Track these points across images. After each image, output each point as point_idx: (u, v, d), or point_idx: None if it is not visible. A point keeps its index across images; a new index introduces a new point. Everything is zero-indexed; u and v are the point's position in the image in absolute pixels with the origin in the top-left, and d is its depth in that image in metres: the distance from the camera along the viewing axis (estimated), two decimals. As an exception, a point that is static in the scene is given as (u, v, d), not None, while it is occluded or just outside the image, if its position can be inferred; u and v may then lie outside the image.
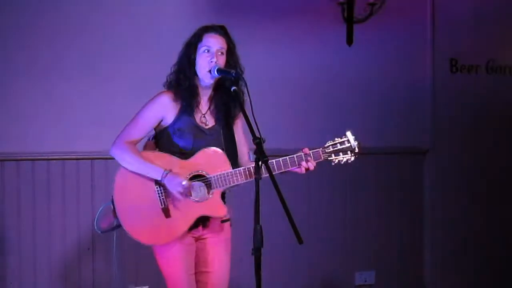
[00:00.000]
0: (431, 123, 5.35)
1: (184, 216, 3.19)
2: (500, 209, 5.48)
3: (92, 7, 4.56)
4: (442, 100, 5.35)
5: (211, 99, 3.32)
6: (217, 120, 3.30)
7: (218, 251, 3.33)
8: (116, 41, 4.58)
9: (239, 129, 3.37)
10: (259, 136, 2.95)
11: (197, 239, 3.30)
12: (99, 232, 3.28)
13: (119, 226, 3.22)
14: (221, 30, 3.29)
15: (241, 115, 3.23)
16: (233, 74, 3.14)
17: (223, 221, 3.32)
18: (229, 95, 3.20)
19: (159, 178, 3.14)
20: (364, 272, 5.23)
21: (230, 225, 3.38)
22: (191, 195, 3.15)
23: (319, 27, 5.03)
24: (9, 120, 4.42)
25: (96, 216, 3.31)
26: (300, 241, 2.77)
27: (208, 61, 3.21)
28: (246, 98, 3.15)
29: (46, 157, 4.47)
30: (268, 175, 2.89)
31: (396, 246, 5.29)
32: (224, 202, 3.29)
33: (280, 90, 4.93)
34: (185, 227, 3.20)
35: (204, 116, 3.29)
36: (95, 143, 4.52)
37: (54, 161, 4.49)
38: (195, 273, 3.31)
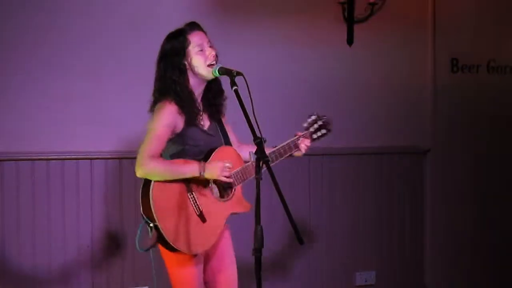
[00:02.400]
0: (432, 123, 5.35)
1: (217, 217, 3.22)
2: (501, 209, 5.47)
3: (92, 6, 4.55)
4: (443, 100, 5.35)
5: (202, 99, 3.33)
6: (210, 118, 3.33)
7: (227, 247, 3.38)
8: (116, 41, 4.58)
9: (226, 121, 3.42)
10: (259, 136, 2.95)
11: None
12: (143, 251, 3.21)
13: (158, 242, 3.16)
14: (198, 26, 3.30)
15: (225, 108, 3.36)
16: (235, 74, 3.14)
17: None
18: (211, 90, 3.28)
19: (197, 173, 3.12)
20: (364, 273, 5.22)
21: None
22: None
23: (320, 26, 5.02)
24: (8, 120, 4.40)
25: (137, 237, 3.20)
26: (300, 241, 2.77)
27: (207, 56, 3.21)
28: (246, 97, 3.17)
29: (45, 157, 4.46)
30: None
31: (396, 246, 5.29)
32: None
33: (280, 90, 4.92)
34: (220, 227, 3.24)
35: (201, 117, 3.30)
36: (94, 143, 4.53)
37: (54, 161, 4.48)
38: (210, 275, 3.35)
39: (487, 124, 5.44)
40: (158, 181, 3.11)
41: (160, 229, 3.09)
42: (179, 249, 3.12)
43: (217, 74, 3.21)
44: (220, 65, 3.20)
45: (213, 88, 3.32)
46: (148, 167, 3.10)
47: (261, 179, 2.87)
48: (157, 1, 4.70)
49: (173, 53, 3.22)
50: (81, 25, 4.53)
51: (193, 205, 3.17)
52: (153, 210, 3.08)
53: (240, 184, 3.27)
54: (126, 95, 4.52)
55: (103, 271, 4.58)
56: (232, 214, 3.28)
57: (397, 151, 5.27)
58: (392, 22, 5.18)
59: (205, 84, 3.30)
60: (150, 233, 3.12)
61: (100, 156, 4.54)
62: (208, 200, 3.19)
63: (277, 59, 4.91)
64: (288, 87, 4.96)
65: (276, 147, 3.38)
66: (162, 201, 3.11)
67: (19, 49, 4.42)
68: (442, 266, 5.38)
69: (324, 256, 5.09)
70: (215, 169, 3.13)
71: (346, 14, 5.05)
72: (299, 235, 2.77)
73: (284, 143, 3.41)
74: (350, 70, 5.12)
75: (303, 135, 3.47)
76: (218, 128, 3.35)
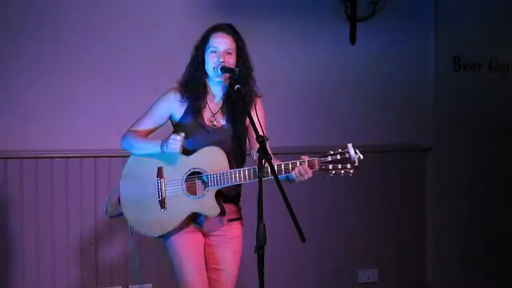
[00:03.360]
0: (434, 121, 5.35)
1: (177, 210, 3.22)
2: (503, 208, 5.47)
3: (96, 6, 4.56)
4: (445, 98, 5.34)
5: (224, 99, 3.32)
6: (226, 120, 3.31)
7: (225, 249, 3.34)
8: (121, 40, 4.59)
9: (254, 116, 3.19)
10: (262, 135, 2.95)
11: (205, 235, 3.32)
12: (107, 217, 3.34)
13: (122, 213, 3.29)
14: (229, 29, 3.29)
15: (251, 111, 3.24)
16: (237, 72, 3.15)
17: (229, 220, 3.32)
18: (240, 96, 3.20)
19: (159, 148, 3.20)
20: (367, 270, 5.23)
21: (242, 224, 3.39)
22: (193, 193, 3.20)
23: (322, 25, 5.03)
24: (12, 118, 4.42)
25: (106, 201, 3.46)
26: (303, 239, 2.78)
27: (215, 61, 3.22)
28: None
29: (49, 155, 4.48)
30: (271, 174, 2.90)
31: (398, 244, 5.29)
32: (238, 202, 3.36)
33: (283, 89, 4.93)
34: (177, 221, 3.23)
35: (214, 116, 3.30)
36: (98, 141, 4.54)
37: (58, 159, 4.50)
38: (207, 269, 3.33)
39: (489, 123, 5.43)
40: (136, 155, 3.28)
41: (120, 195, 3.27)
42: (126, 217, 3.26)
43: (219, 73, 3.22)
44: (222, 64, 3.21)
45: (240, 92, 3.19)
46: (125, 135, 3.31)
47: (263, 177, 2.89)
48: (160, 1, 4.71)
49: (196, 46, 3.31)
50: (86, 25, 4.54)
51: (159, 190, 3.22)
52: (120, 179, 3.29)
53: (216, 188, 3.18)
54: (131, 93, 4.53)
55: (107, 269, 4.60)
56: (195, 213, 3.23)
57: (399, 149, 5.27)
58: (395, 20, 5.18)
59: (225, 84, 3.29)
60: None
61: (104, 154, 4.55)
62: (176, 191, 3.21)
63: (280, 58, 4.92)
64: (291, 85, 4.97)
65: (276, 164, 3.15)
66: (131, 172, 3.28)
67: (23, 48, 4.44)
68: (444, 264, 5.39)
69: (327, 254, 5.10)
70: (171, 141, 3.18)
71: (348, 12, 5.05)
72: (301, 233, 2.78)
73: (286, 163, 3.17)
74: (353, 69, 5.12)
75: (307, 161, 3.17)
76: (232, 132, 3.29)
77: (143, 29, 4.61)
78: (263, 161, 2.90)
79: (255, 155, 2.99)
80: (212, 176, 3.18)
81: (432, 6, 5.31)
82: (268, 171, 2.95)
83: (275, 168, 3.01)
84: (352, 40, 5.09)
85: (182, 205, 3.22)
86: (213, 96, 3.32)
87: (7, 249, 4.43)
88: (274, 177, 2.87)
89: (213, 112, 3.30)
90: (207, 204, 3.21)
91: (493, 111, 5.43)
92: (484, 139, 5.43)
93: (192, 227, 3.28)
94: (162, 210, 3.22)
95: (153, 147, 3.23)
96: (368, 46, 5.13)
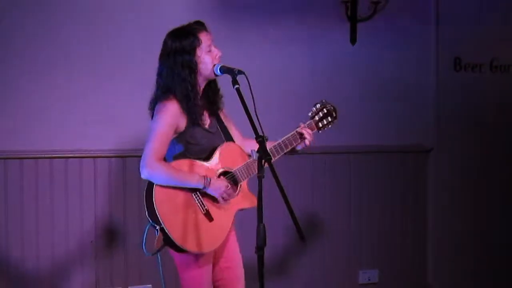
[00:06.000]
0: (435, 122, 5.34)
1: (224, 215, 3.22)
2: (504, 208, 5.47)
3: (97, 5, 4.55)
4: (446, 99, 5.34)
5: (203, 98, 3.33)
6: (210, 115, 3.34)
7: (234, 245, 3.40)
8: (120, 39, 4.58)
9: (226, 116, 3.43)
10: (261, 135, 2.95)
11: None
12: (150, 254, 3.19)
13: (166, 244, 3.15)
14: (205, 25, 3.31)
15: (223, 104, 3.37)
16: (236, 72, 3.15)
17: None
18: (210, 88, 3.30)
19: (201, 187, 3.13)
20: (367, 271, 5.22)
21: None
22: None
23: (322, 25, 5.02)
24: (12, 118, 4.41)
25: (143, 241, 3.21)
26: (303, 239, 2.77)
27: (214, 57, 3.23)
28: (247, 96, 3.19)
29: (49, 155, 4.47)
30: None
31: (399, 245, 5.29)
32: None
33: (283, 89, 4.92)
34: (228, 225, 3.25)
35: (203, 115, 3.31)
36: (98, 142, 4.53)
37: (57, 159, 4.49)
38: (218, 272, 3.35)
39: (490, 123, 5.43)
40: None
41: (167, 231, 3.08)
42: (187, 249, 3.12)
43: (218, 73, 3.22)
44: (221, 64, 3.21)
45: (212, 85, 3.34)
46: (153, 171, 3.10)
47: (264, 177, 2.88)
48: (163, 2, 4.70)
49: (184, 51, 3.20)
50: (84, 24, 4.53)
51: (199, 204, 3.17)
52: (157, 213, 3.08)
53: (246, 180, 3.28)
54: (130, 93, 4.52)
55: (107, 268, 4.59)
56: (240, 210, 3.29)
57: (400, 149, 5.26)
58: (395, 21, 5.18)
59: (206, 82, 3.31)
60: (156, 236, 3.12)
61: (103, 155, 4.54)
62: (213, 198, 3.20)
63: (280, 58, 4.91)
64: (291, 86, 4.96)
65: (278, 141, 3.36)
66: (166, 203, 3.11)
67: (22, 48, 4.43)
68: (445, 264, 5.38)
69: (327, 254, 5.09)
70: (219, 188, 3.15)
71: (349, 12, 5.04)
72: (301, 233, 2.78)
73: (287, 136, 3.39)
74: (353, 69, 5.11)
75: (307, 124, 3.45)
76: (218, 125, 3.36)
77: (143, 29, 4.60)
78: (263, 161, 2.90)
79: (254, 155, 2.99)
80: (239, 170, 3.24)
81: (432, 6, 5.30)
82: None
83: (273, 150, 3.27)
84: (352, 40, 5.08)
85: (225, 209, 3.22)
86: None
87: (6, 249, 4.42)
88: (274, 178, 2.86)
89: (202, 112, 3.30)
90: (247, 197, 3.28)
91: (494, 111, 5.43)
92: (486, 139, 5.43)
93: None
94: (211, 223, 3.19)
95: (194, 184, 3.14)
96: (368, 46, 5.13)
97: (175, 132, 3.21)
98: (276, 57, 4.90)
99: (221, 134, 3.35)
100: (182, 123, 3.21)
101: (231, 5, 4.78)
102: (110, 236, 4.60)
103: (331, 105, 3.53)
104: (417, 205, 5.35)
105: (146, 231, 3.17)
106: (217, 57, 3.24)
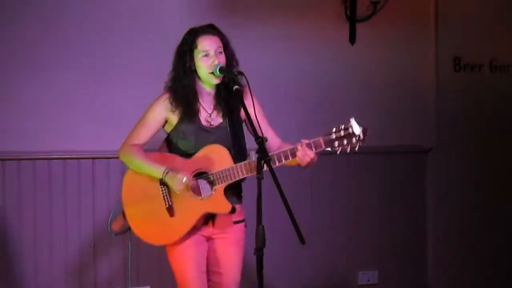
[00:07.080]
0: (434, 122, 5.34)
1: (188, 214, 3.18)
2: (504, 208, 5.46)
3: (96, 6, 4.55)
4: (445, 99, 5.33)
5: (214, 98, 3.31)
6: (223, 117, 3.30)
7: (229, 252, 3.32)
8: (118, 39, 4.58)
9: (253, 117, 3.17)
10: (261, 136, 2.94)
11: (208, 239, 3.30)
12: (113, 235, 3.30)
13: (130, 228, 3.27)
14: (212, 29, 3.27)
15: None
16: (236, 73, 3.15)
17: (235, 222, 3.29)
18: (228, 90, 3.22)
19: (160, 177, 3.16)
20: (367, 272, 5.21)
21: (245, 226, 3.36)
22: (198, 194, 3.16)
23: (322, 25, 5.01)
24: (10, 119, 4.41)
25: (109, 219, 3.43)
26: (302, 241, 2.76)
27: (210, 64, 3.20)
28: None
29: (47, 156, 4.46)
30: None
31: (399, 246, 5.28)
32: (241, 202, 3.32)
33: (282, 89, 4.92)
34: (189, 225, 3.19)
35: (210, 116, 3.29)
36: (96, 142, 4.52)
37: (55, 160, 4.48)
38: (208, 272, 3.31)
39: (490, 123, 5.42)
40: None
41: (126, 217, 3.24)
42: (140, 237, 3.24)
43: (218, 74, 3.20)
44: (221, 65, 3.18)
45: (228, 87, 3.22)
46: (125, 152, 3.27)
47: (263, 178, 2.86)
48: (159, 1, 4.69)
49: (181, 52, 3.26)
50: (84, 25, 4.53)
51: (164, 198, 3.19)
52: (122, 198, 3.26)
53: (223, 184, 3.17)
54: (128, 94, 4.52)
55: (105, 271, 4.58)
56: (207, 213, 3.21)
57: (400, 150, 5.26)
58: (395, 21, 5.17)
59: (213, 84, 3.27)
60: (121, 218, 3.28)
61: (102, 156, 4.53)
62: (183, 195, 3.16)
63: (279, 58, 4.91)
64: (290, 86, 4.96)
65: (277, 151, 3.18)
66: (132, 190, 3.25)
67: (21, 48, 4.43)
68: (445, 265, 5.37)
69: (327, 256, 5.09)
70: (173, 180, 3.13)
71: (348, 12, 5.04)
72: (300, 235, 2.77)
73: (283, 149, 3.18)
74: (353, 69, 5.11)
75: (312, 141, 3.19)
76: (230, 127, 3.28)
77: (143, 29, 4.60)
78: (262, 162, 2.88)
79: (254, 156, 2.97)
80: (217, 173, 3.16)
81: (432, 7, 5.30)
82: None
83: (275, 156, 3.10)
84: (352, 40, 5.07)
85: (192, 208, 3.18)
86: (206, 96, 3.30)
87: (5, 251, 4.41)
88: (274, 179, 2.84)
89: (208, 111, 3.28)
90: (218, 202, 3.18)
91: (494, 111, 5.42)
92: (485, 139, 5.42)
93: (197, 234, 3.24)
94: (172, 218, 3.19)
95: (155, 172, 3.19)
96: (368, 47, 5.12)
97: (170, 124, 3.27)
98: (276, 57, 4.89)
99: (228, 135, 3.26)
100: (173, 117, 3.25)
101: (230, 4, 4.77)
102: (109, 237, 4.57)
103: (363, 129, 3.27)
104: (416, 205, 5.35)
105: (114, 210, 3.45)
106: (213, 65, 3.19)
